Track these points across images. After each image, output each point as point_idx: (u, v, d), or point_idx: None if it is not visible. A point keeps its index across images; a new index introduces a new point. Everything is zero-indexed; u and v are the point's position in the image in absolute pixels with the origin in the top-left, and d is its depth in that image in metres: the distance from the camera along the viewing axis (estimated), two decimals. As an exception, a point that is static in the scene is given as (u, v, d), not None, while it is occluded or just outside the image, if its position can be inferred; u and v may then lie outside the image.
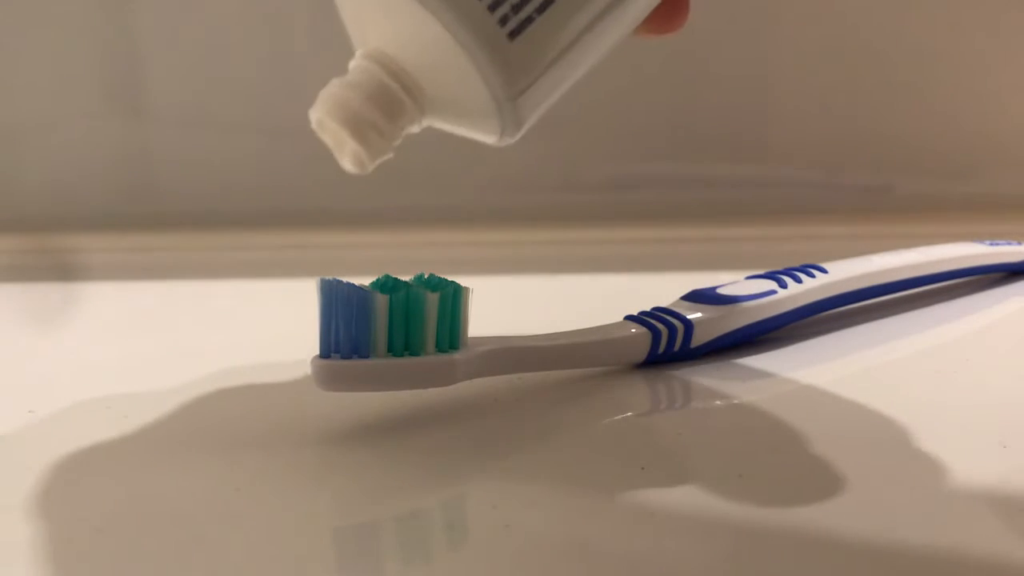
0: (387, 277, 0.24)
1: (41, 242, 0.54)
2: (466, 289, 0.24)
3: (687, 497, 0.21)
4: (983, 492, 0.21)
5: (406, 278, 0.25)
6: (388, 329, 0.23)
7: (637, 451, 0.23)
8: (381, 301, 0.23)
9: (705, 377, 0.28)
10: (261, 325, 0.36)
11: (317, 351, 0.23)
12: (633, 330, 0.28)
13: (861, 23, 0.54)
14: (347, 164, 0.21)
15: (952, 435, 0.24)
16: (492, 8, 0.20)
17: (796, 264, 0.32)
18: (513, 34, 0.20)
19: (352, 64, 0.22)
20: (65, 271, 0.48)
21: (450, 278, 0.25)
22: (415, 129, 0.22)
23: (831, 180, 0.56)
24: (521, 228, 0.52)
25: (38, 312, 0.40)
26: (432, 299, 0.23)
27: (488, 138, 0.22)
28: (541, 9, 0.20)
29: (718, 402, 0.26)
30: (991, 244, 0.38)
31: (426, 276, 0.25)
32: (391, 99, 0.21)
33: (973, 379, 0.28)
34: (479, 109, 0.21)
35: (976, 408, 0.26)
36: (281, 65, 0.56)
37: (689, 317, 0.28)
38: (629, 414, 0.26)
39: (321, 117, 0.21)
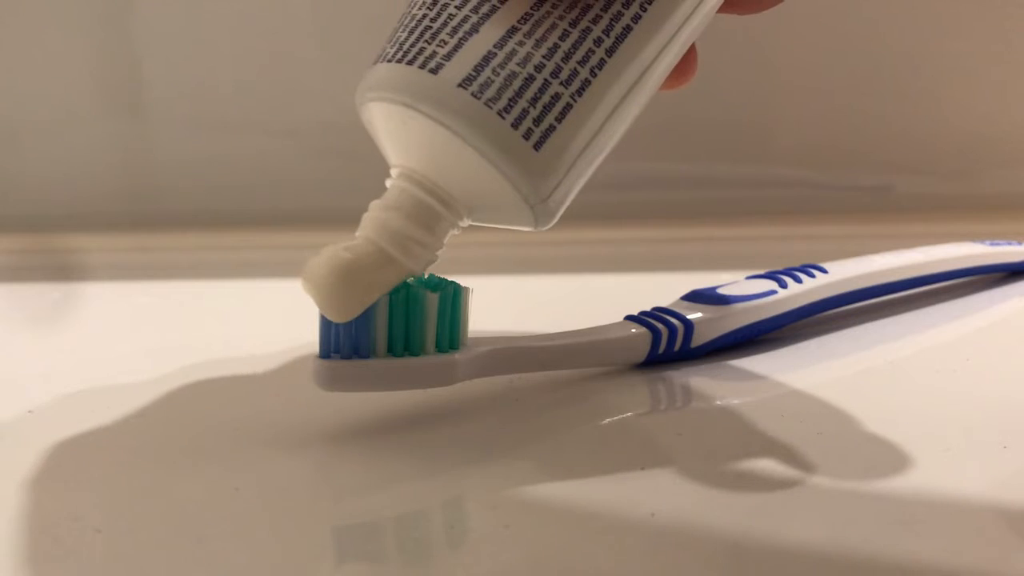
0: (387, 277, 0.24)
1: (41, 242, 0.54)
2: (466, 289, 0.24)
3: (687, 497, 0.21)
4: (983, 493, 0.21)
5: (406, 278, 0.25)
6: (388, 329, 0.23)
7: (637, 451, 0.23)
8: (381, 301, 0.23)
9: (705, 377, 0.28)
10: (261, 325, 0.36)
11: (317, 351, 0.23)
12: (633, 330, 0.28)
13: (862, 23, 0.54)
14: (333, 314, 0.22)
15: (952, 435, 0.24)
16: (515, 125, 0.21)
17: (796, 264, 0.32)
18: (538, 145, 0.21)
19: (388, 184, 0.23)
20: (65, 271, 0.48)
21: (450, 278, 0.25)
22: (456, 232, 0.23)
23: (831, 180, 0.56)
24: (521, 228, 0.52)
25: (38, 312, 0.40)
26: (432, 299, 0.23)
27: (524, 228, 0.23)
28: (560, 117, 0.21)
29: (718, 402, 0.26)
30: (991, 244, 0.38)
31: (426, 276, 0.25)
32: (429, 214, 0.23)
33: (973, 379, 0.28)
34: (513, 211, 0.23)
35: (976, 408, 0.25)
36: (281, 65, 0.56)
37: (689, 317, 0.28)
38: (629, 414, 0.26)
39: (367, 235, 0.22)
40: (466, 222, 0.24)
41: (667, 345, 0.28)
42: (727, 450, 0.23)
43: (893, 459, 0.22)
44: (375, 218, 0.23)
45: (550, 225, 0.23)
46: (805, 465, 0.22)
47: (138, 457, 0.23)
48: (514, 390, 0.27)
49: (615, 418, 0.25)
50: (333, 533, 0.20)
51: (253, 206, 0.56)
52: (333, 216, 0.54)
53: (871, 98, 0.55)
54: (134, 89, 0.56)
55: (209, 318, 0.38)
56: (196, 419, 0.26)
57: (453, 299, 0.24)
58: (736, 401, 0.26)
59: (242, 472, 0.22)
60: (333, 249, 0.22)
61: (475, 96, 0.21)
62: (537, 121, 0.21)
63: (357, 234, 0.23)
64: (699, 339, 0.28)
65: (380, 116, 0.23)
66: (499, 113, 0.21)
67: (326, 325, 0.23)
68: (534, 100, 0.21)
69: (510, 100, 0.21)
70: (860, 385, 0.28)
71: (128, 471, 0.23)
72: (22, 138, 0.57)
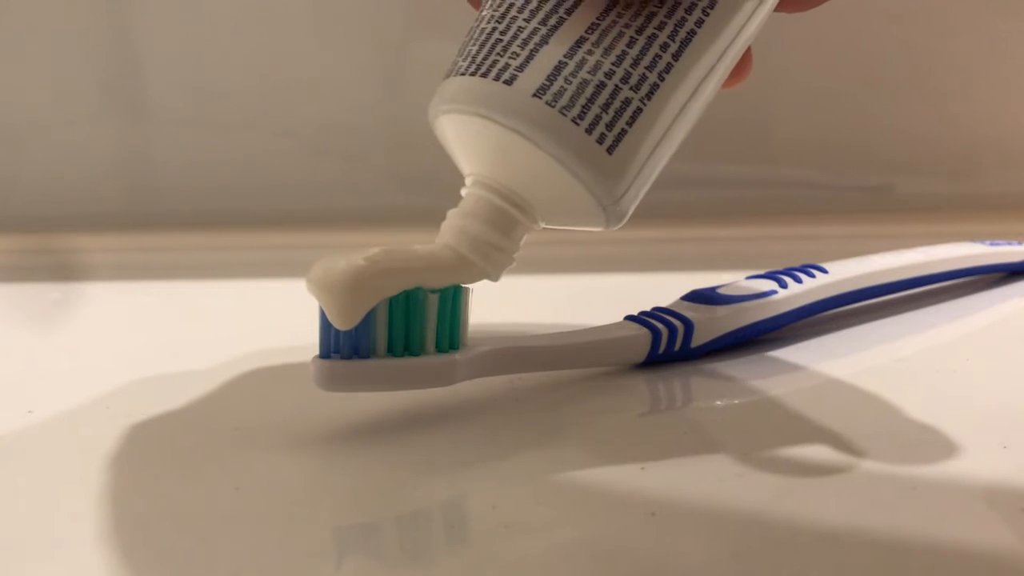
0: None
1: (41, 242, 0.54)
2: (466, 289, 0.24)
3: (687, 497, 0.21)
4: (983, 492, 0.21)
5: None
6: (388, 329, 0.23)
7: (637, 451, 0.23)
8: (381, 301, 0.23)
9: (705, 377, 0.28)
10: (261, 325, 0.36)
11: (317, 351, 0.23)
12: (633, 330, 0.28)
13: (862, 23, 0.54)
14: (336, 321, 0.22)
15: (952, 435, 0.24)
16: (589, 130, 0.22)
17: (796, 264, 0.32)
18: (611, 149, 0.22)
19: (464, 192, 0.24)
20: (65, 271, 0.48)
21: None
22: (530, 235, 0.24)
23: (831, 180, 0.56)
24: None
25: (38, 312, 0.40)
26: (432, 299, 0.23)
27: (595, 229, 0.24)
28: (631, 121, 0.22)
29: (718, 402, 0.26)
30: (991, 244, 0.38)
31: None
32: (506, 219, 0.23)
33: (973, 379, 0.28)
34: (586, 213, 0.23)
35: (976, 408, 0.25)
36: (281, 66, 0.56)
37: (689, 317, 0.28)
38: (629, 414, 0.26)
39: (447, 242, 0.23)
40: (540, 225, 0.24)
41: (667, 345, 0.28)
42: (727, 450, 0.23)
43: (892, 459, 0.22)
44: (453, 225, 0.23)
45: (621, 225, 0.24)
46: (804, 465, 0.22)
47: (138, 457, 0.23)
48: (514, 390, 0.27)
49: (615, 418, 0.25)
50: (333, 533, 0.20)
51: (253, 206, 0.56)
52: (333, 216, 0.55)
53: (872, 98, 0.55)
54: (134, 89, 0.56)
55: (209, 318, 0.38)
56: (196, 419, 0.26)
57: (453, 299, 0.24)
58: (736, 401, 0.26)
59: (242, 472, 0.22)
60: (349, 255, 0.22)
61: (549, 105, 0.22)
62: (610, 126, 0.22)
63: (436, 241, 0.23)
64: (699, 339, 0.28)
65: (455, 127, 0.23)
66: (573, 120, 0.22)
67: (326, 325, 0.23)
68: (606, 106, 0.22)
69: (583, 107, 0.22)
70: (860, 385, 0.28)
71: (128, 471, 0.23)
72: (22, 138, 0.57)
